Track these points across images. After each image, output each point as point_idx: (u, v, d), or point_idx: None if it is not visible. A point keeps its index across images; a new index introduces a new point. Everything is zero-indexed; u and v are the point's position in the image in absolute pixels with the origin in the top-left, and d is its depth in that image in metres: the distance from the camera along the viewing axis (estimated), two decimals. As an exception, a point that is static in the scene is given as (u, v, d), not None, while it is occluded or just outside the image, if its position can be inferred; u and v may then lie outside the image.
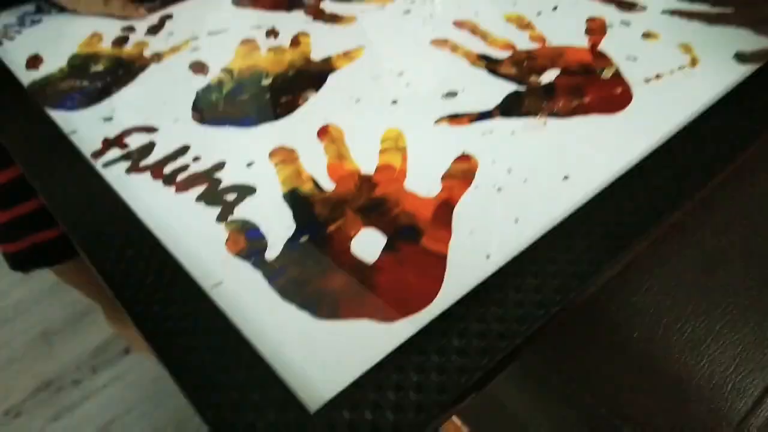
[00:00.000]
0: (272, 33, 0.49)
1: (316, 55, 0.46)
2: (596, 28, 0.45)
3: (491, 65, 0.43)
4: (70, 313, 1.21)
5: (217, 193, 0.35)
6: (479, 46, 0.45)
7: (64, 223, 0.34)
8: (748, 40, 0.42)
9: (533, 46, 0.44)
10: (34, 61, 0.48)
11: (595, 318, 0.32)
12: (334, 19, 0.50)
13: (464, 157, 0.35)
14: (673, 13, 0.46)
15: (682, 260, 0.33)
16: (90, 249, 0.32)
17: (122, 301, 0.29)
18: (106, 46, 0.49)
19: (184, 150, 0.38)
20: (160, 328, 0.27)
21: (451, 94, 0.40)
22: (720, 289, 0.31)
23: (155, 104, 0.42)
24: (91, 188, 0.35)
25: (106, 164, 0.37)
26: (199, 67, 0.45)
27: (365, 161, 0.36)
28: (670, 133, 0.36)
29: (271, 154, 0.37)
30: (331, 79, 0.43)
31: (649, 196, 0.32)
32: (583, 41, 0.44)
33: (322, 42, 0.47)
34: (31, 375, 1.11)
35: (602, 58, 0.42)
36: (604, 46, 0.43)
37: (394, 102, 0.40)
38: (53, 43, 0.50)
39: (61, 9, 0.54)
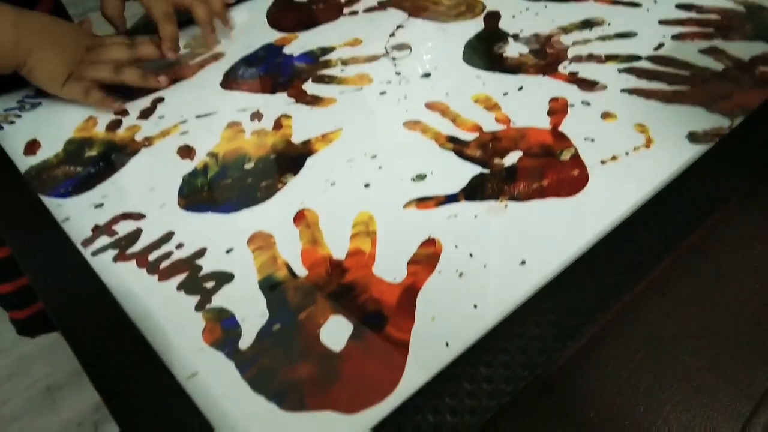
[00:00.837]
0: (257, 116, 0.52)
1: (297, 138, 0.49)
2: (558, 109, 0.48)
3: (458, 147, 0.45)
4: (74, 368, 1.22)
5: (197, 280, 0.37)
6: (448, 128, 0.48)
7: (49, 308, 0.36)
8: (701, 119, 0.45)
9: (498, 127, 0.47)
10: (31, 147, 0.51)
11: (553, 400, 0.34)
12: (315, 101, 0.53)
13: (430, 242, 0.38)
14: (632, 92, 0.49)
15: (636, 341, 0.35)
16: (72, 337, 0.34)
17: (100, 393, 0.31)
18: (100, 130, 0.52)
19: (168, 237, 0.40)
20: (136, 421, 0.29)
21: (420, 177, 0.43)
22: (672, 370, 0.33)
23: (144, 190, 0.45)
24: (78, 276, 0.37)
25: (95, 252, 0.40)
26: (186, 152, 0.48)
27: (337, 246, 0.38)
28: (623, 216, 0.38)
29: (250, 240, 0.39)
30: (310, 161, 0.46)
31: (600, 280, 0.34)
32: (545, 122, 0.47)
33: (303, 124, 0.50)
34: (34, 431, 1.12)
35: (562, 140, 0.45)
36: (565, 126, 0.46)
37: (367, 185, 0.43)
38: (51, 127, 0.53)
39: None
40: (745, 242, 0.39)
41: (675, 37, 0.55)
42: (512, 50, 0.56)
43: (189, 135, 0.50)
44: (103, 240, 0.41)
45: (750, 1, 0.59)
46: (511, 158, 0.44)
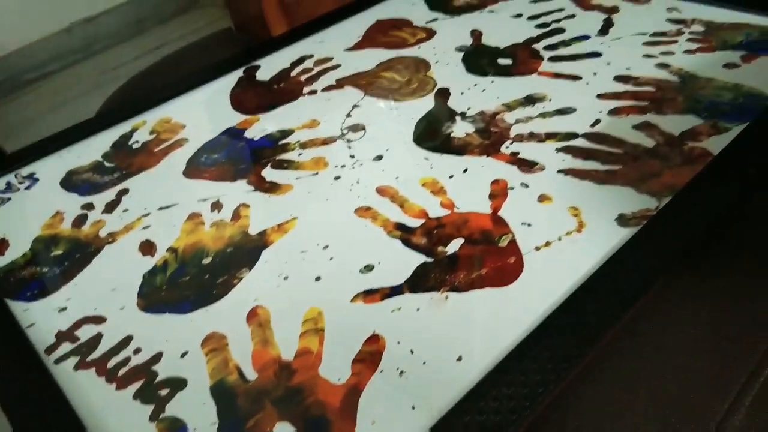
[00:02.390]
0: (216, 206, 0.54)
1: (254, 228, 0.51)
2: (499, 192, 0.51)
3: (405, 235, 0.48)
4: None
5: (152, 388, 0.39)
6: (397, 214, 0.50)
7: (11, 418, 0.38)
8: (630, 200, 0.48)
9: (443, 212, 0.50)
10: (0, 247, 0.53)
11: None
12: (272, 188, 0.55)
13: (374, 338, 0.40)
14: (568, 172, 0.52)
15: (587, 415, 0.37)
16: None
17: None
18: (66, 226, 0.55)
19: (126, 341, 0.42)
20: None
21: (368, 268, 0.46)
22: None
23: (105, 291, 0.47)
24: (40, 388, 0.39)
25: (58, 360, 0.42)
26: (147, 247, 0.51)
27: (287, 344, 0.40)
28: (556, 303, 0.40)
29: (204, 342, 0.41)
30: (265, 254, 0.48)
31: (533, 373, 0.36)
32: (486, 206, 0.50)
33: (261, 213, 0.53)
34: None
35: (501, 225, 0.47)
36: (504, 210, 0.49)
37: (318, 278, 0.45)
38: (19, 224, 0.56)
39: (28, 185, 0.60)
40: (670, 324, 0.41)
41: (611, 112, 0.58)
42: (459, 129, 0.59)
43: (151, 229, 0.53)
44: (66, 347, 0.43)
45: (684, 71, 0.63)
46: (454, 246, 0.46)
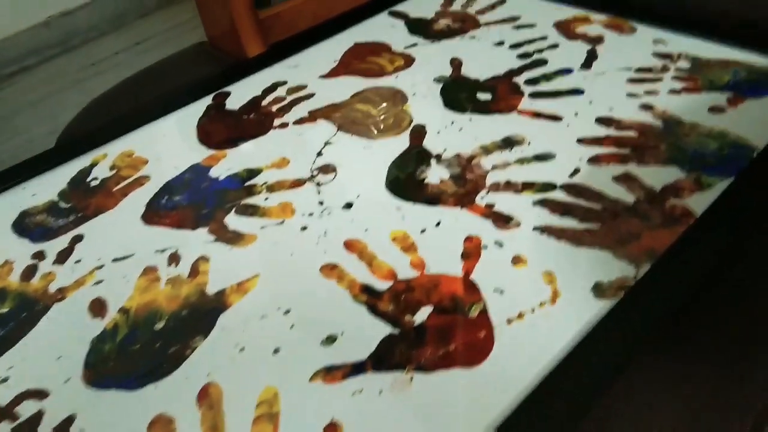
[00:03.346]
0: (174, 259, 0.51)
1: (213, 287, 0.48)
2: (472, 251, 0.48)
3: (372, 300, 0.45)
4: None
5: (92, 481, 0.36)
6: (364, 274, 0.48)
7: None
8: (607, 266, 0.46)
9: (413, 274, 0.47)
10: (-58, 302, 0.50)
11: None
12: (235, 239, 0.53)
13: (331, 427, 0.37)
14: (544, 230, 0.49)
15: None
16: None
17: None
18: (14, 279, 0.51)
19: (69, 422, 0.40)
20: None
21: (331, 339, 0.43)
22: None
23: (51, 359, 0.44)
24: (-28, 479, 0.37)
25: (-7, 444, 0.39)
26: (98, 307, 0.48)
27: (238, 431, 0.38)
28: (525, 389, 0.38)
29: (150, 427, 0.39)
30: (222, 319, 0.46)
31: (497, 472, 0.34)
32: (458, 267, 0.47)
33: (221, 268, 0.50)
34: None
35: (472, 291, 0.45)
36: (477, 272, 0.47)
37: (276, 351, 0.43)
38: (-34, 274, 0.52)
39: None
40: (645, 408, 0.39)
41: (591, 160, 0.56)
42: (434, 175, 0.57)
43: (104, 285, 0.50)
44: (4, 428, 0.40)
45: (668, 114, 0.60)
46: (422, 315, 0.44)
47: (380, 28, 0.83)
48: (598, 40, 0.73)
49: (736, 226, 0.47)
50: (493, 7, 0.84)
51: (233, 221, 0.55)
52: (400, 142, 0.62)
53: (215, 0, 0.86)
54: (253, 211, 0.56)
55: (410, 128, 0.63)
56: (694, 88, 0.63)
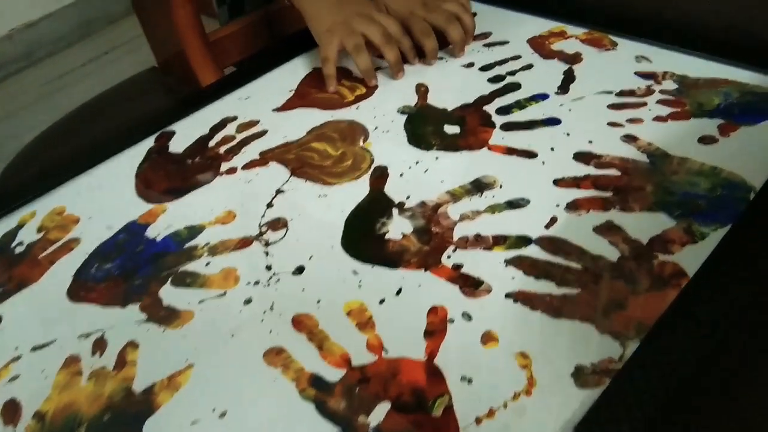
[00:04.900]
0: (99, 346, 0.45)
1: (140, 382, 0.42)
2: (436, 326, 0.42)
3: (321, 396, 0.39)
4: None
5: None
6: (313, 360, 0.42)
7: None
8: (589, 344, 0.40)
9: (370, 358, 0.41)
10: None
11: None
12: (169, 317, 0.46)
13: None
14: (517, 297, 0.43)
15: None
16: None
17: None
18: None
19: None
20: None
21: (272, 449, 0.37)
22: None
23: (-53, 486, 0.38)
24: None
25: None
26: (11, 412, 0.41)
27: None
28: None
29: None
30: (149, 426, 0.39)
31: None
32: (421, 348, 0.41)
33: (151, 356, 0.44)
34: None
35: (437, 381, 0.39)
36: (441, 353, 0.41)
37: (209, 467, 0.37)
38: None
39: None
40: None
41: (570, 207, 0.50)
42: (395, 228, 0.51)
43: (19, 381, 0.43)
44: None
45: (654, 146, 0.54)
46: (378, 415, 0.38)
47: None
48: (575, 58, 0.67)
49: (735, 290, 0.41)
50: (462, 21, 0.77)
51: (169, 294, 0.48)
52: (360, 188, 0.56)
53: (160, 23, 0.80)
54: (191, 280, 0.49)
55: (371, 170, 0.57)
56: (682, 113, 0.57)
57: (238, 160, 0.61)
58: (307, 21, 0.71)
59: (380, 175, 0.56)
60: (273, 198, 0.56)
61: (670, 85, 0.61)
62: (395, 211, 0.52)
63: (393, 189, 0.55)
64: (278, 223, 0.53)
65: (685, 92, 0.60)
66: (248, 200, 0.56)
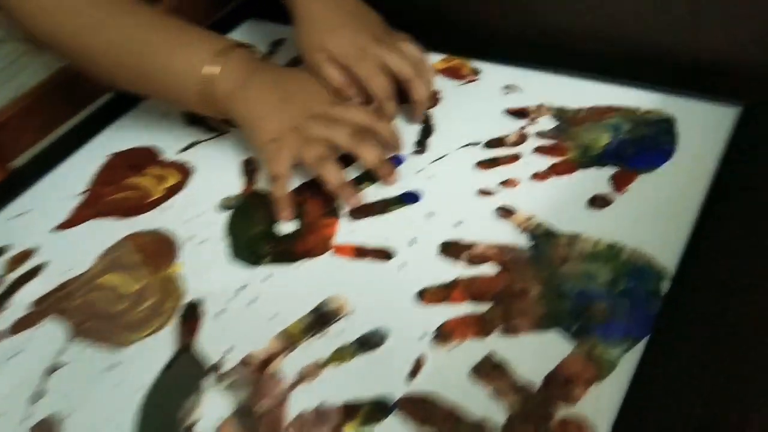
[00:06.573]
0: None
1: None
2: None
3: None
4: None
5: None
6: None
7: None
8: None
9: None
10: None
11: None
12: None
13: None
14: None
15: None
16: None
17: None
18: None
19: None
20: None
21: None
22: None
23: None
24: None
25: None
26: None
27: None
28: None
29: None
30: None
31: None
32: None
33: None
34: None
35: None
36: None
37: None
38: None
39: None
40: None
41: (438, 338, 0.36)
42: (208, 415, 0.36)
43: None
44: None
45: (535, 221, 0.42)
46: None
47: (148, 119, 0.59)
48: (432, 98, 0.53)
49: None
50: (296, 61, 0.62)
51: None
52: (163, 344, 0.40)
53: None
54: None
55: (179, 314, 0.42)
56: (565, 165, 0.45)
57: (7, 316, 0.44)
58: (243, 129, 0.50)
59: (191, 321, 0.41)
60: (41, 384, 0.40)
61: (546, 123, 0.49)
62: (210, 380, 0.38)
63: (207, 339, 0.40)
64: (45, 426, 0.37)
65: (566, 131, 0.48)
66: (11, 386, 0.40)
